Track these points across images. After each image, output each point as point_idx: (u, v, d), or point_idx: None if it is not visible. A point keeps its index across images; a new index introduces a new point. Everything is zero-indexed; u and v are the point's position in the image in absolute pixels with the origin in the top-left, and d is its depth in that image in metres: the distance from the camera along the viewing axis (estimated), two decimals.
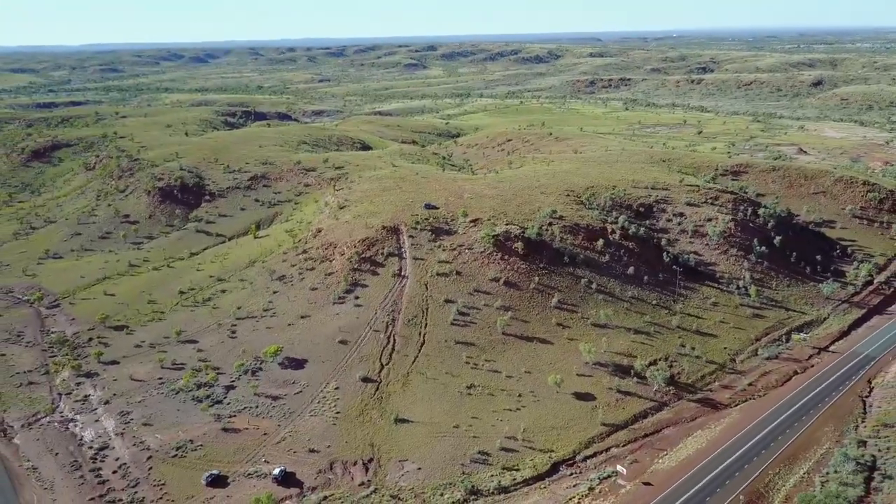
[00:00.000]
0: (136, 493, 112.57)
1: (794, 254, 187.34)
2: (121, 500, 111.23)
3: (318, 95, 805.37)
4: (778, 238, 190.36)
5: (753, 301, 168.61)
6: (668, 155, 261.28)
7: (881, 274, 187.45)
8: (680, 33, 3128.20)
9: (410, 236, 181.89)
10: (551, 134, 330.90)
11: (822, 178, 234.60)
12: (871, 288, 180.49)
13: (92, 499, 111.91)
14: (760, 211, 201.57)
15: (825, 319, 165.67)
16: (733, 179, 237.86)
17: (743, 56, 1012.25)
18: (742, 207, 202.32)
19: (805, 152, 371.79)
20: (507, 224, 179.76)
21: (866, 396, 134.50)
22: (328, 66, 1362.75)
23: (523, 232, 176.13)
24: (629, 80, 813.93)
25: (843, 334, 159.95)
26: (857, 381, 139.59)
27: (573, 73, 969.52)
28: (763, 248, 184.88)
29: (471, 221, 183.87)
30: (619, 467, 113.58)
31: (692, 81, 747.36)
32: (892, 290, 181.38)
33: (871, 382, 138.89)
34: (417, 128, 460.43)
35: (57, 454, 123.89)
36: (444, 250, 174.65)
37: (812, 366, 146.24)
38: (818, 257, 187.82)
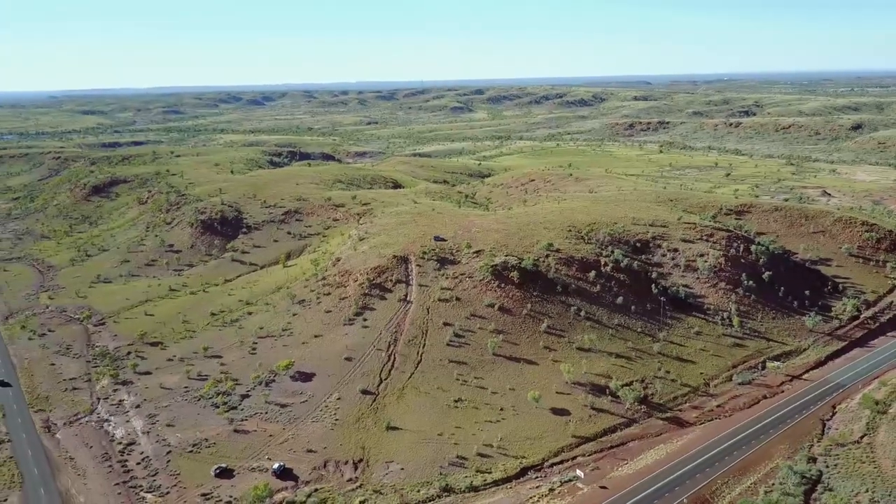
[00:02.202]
0: (154, 480, 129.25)
1: (783, 288, 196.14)
2: (141, 486, 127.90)
3: (363, 137, 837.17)
4: (767, 273, 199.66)
5: (736, 331, 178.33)
6: (676, 195, 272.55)
7: (869, 310, 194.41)
8: (731, 76, 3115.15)
9: (418, 265, 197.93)
10: (571, 175, 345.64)
11: (823, 218, 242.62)
12: (856, 322, 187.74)
13: (117, 484, 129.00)
14: (752, 247, 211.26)
15: (804, 350, 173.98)
16: (736, 219, 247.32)
17: (787, 100, 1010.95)
18: (735, 244, 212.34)
19: (829, 195, 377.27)
20: (506, 255, 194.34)
21: (828, 419, 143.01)
22: (377, 109, 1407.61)
23: (520, 262, 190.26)
24: (668, 123, 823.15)
25: (819, 364, 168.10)
26: (821, 405, 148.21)
27: (615, 117, 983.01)
28: (751, 282, 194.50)
29: (474, 252, 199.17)
30: (578, 472, 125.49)
31: (730, 125, 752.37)
32: (877, 324, 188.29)
33: (835, 407, 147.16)
34: (450, 168, 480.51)
35: (91, 447, 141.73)
36: (447, 278, 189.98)
37: (782, 391, 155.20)
38: (807, 292, 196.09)
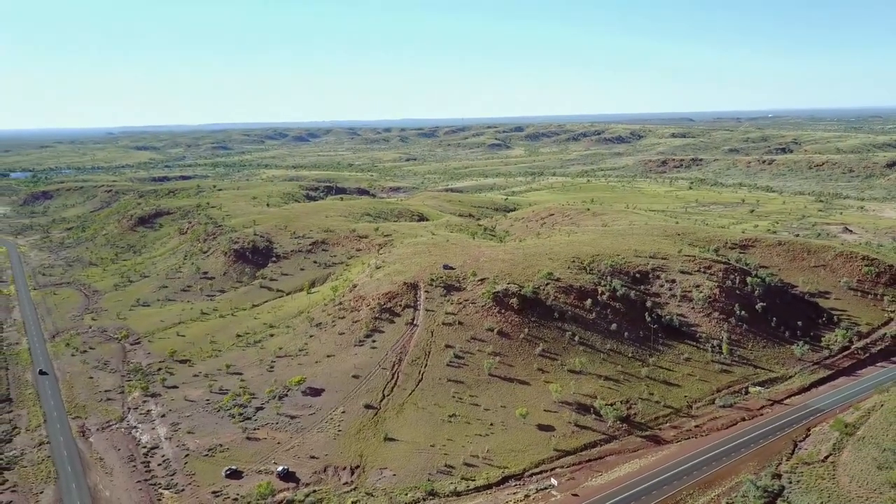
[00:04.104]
0: (172, 479, 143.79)
1: (775, 319, 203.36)
2: (160, 483, 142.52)
3: (400, 173, 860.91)
4: (761, 304, 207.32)
5: (724, 358, 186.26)
6: (683, 229, 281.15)
7: (861, 340, 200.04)
8: (777, 113, 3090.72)
9: (426, 291, 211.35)
10: (589, 210, 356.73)
11: (824, 252, 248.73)
12: (846, 352, 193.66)
13: (139, 481, 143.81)
14: (748, 279, 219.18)
15: (790, 377, 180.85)
16: (740, 252, 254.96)
17: (826, 137, 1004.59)
18: (732, 276, 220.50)
19: (851, 231, 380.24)
20: (508, 283, 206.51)
21: (801, 441, 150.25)
22: (418, 146, 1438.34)
23: (520, 290, 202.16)
24: (701, 160, 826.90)
25: (803, 390, 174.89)
26: (797, 427, 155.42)
27: (650, 154, 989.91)
28: (744, 312, 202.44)
29: (479, 280, 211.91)
30: (553, 481, 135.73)
31: (763, 162, 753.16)
32: (867, 355, 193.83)
33: (809, 430, 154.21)
34: (477, 203, 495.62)
35: (119, 450, 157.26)
36: (452, 304, 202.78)
37: (761, 414, 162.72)
38: (799, 323, 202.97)
